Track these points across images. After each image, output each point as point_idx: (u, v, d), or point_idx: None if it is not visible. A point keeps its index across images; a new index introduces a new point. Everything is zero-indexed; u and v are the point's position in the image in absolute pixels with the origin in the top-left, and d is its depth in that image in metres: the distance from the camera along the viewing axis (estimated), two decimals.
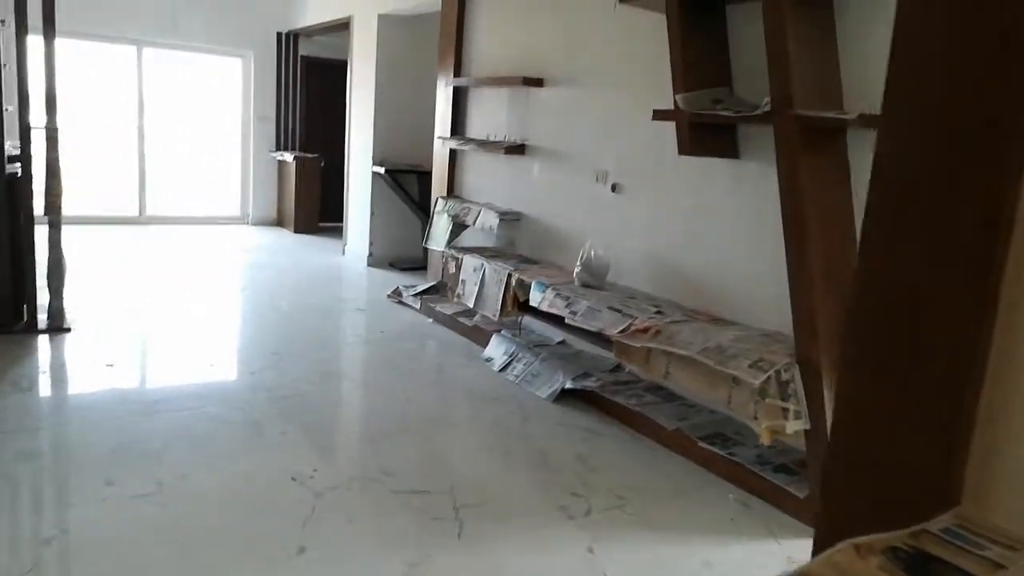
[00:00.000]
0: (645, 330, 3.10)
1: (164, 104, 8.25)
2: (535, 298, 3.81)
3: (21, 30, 3.95)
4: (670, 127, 3.36)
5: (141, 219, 8.25)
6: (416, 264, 6.78)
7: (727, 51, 3.18)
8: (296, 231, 8.40)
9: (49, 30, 4.03)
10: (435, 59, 5.84)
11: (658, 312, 3.26)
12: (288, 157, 8.37)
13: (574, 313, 3.47)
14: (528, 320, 4.37)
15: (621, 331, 3.17)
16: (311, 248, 7.66)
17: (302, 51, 8.62)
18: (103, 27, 7.62)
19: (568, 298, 3.58)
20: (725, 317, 3.25)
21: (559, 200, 4.30)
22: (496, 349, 4.28)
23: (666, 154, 3.52)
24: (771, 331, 3.02)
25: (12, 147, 4.87)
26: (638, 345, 3.08)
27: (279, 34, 8.44)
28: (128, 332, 4.31)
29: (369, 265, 6.78)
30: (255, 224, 8.77)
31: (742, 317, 3.19)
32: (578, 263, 3.78)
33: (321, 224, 8.57)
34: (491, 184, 4.95)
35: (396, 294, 5.55)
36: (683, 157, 3.36)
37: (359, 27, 6.75)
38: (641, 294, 3.62)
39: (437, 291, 5.37)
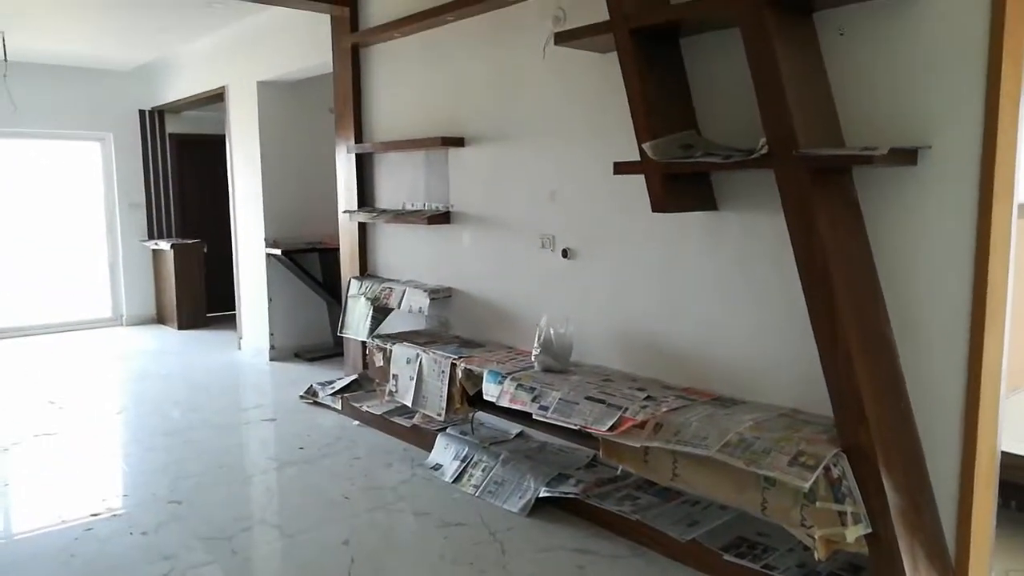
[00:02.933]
0: (641, 424, 2.56)
1: (10, 201, 7.15)
2: (490, 391, 3.21)
3: None
4: (627, 180, 2.92)
5: None
6: (326, 352, 6.03)
7: (688, 90, 2.77)
8: (181, 327, 7.42)
9: None
10: (329, 125, 5.25)
11: (648, 398, 2.74)
12: (164, 245, 7.44)
13: (544, 408, 2.89)
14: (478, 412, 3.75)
15: (611, 428, 2.61)
16: (201, 346, 6.72)
17: (170, 128, 7.77)
18: None
19: (533, 389, 3.00)
20: (726, 395, 2.76)
21: (499, 271, 3.75)
22: (444, 453, 3.63)
23: (625, 210, 3.06)
24: (788, 409, 2.56)
25: None
26: (637, 445, 2.53)
27: (142, 112, 7.58)
28: None
29: (272, 359, 5.96)
30: (131, 324, 7.71)
31: (746, 393, 2.72)
32: (535, 344, 3.22)
33: (210, 315, 7.64)
34: (413, 259, 4.34)
35: (310, 394, 4.79)
36: (645, 213, 2.90)
37: (236, 97, 6.06)
38: (617, 374, 3.09)
39: (360, 386, 4.66)
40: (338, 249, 5.54)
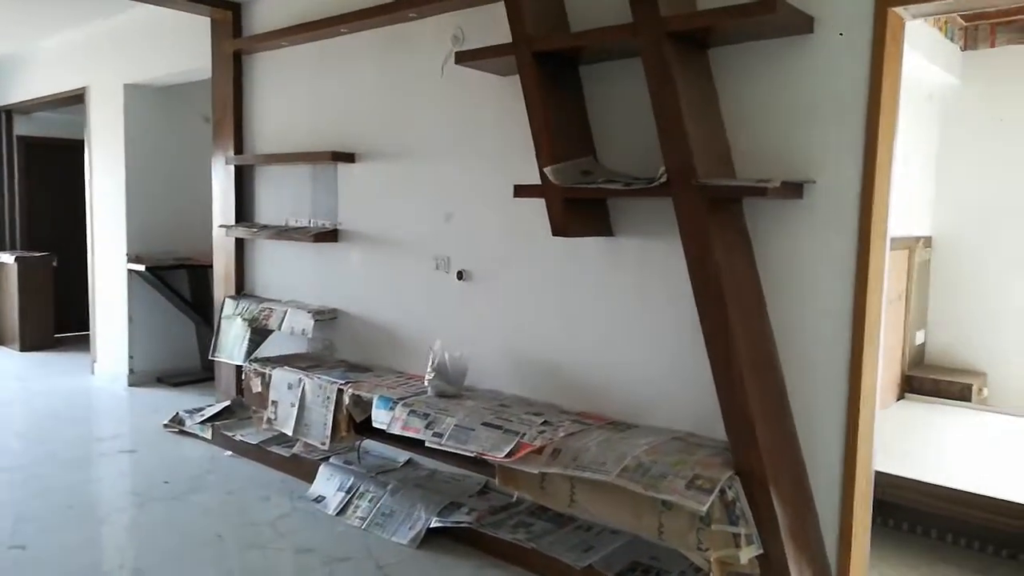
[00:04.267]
0: (539, 450, 2.52)
1: None
2: (380, 418, 3.07)
3: None
4: (525, 204, 2.90)
5: None
6: (193, 376, 5.61)
7: (586, 116, 2.80)
8: (24, 349, 6.70)
9: None
10: (203, 134, 4.95)
11: (545, 423, 2.70)
12: (7, 258, 6.71)
13: (438, 435, 2.79)
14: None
15: (508, 454, 2.56)
16: (48, 370, 6.08)
17: (19, 130, 7.06)
18: None
19: (426, 415, 2.89)
20: (621, 419, 2.78)
21: (390, 293, 3.62)
22: (327, 484, 3.43)
23: (522, 234, 3.04)
24: (682, 432, 2.60)
25: None
26: (535, 471, 2.49)
27: None
28: None
29: (131, 384, 5.47)
30: None
31: (641, 418, 2.75)
32: (428, 369, 3.12)
33: (59, 336, 6.94)
34: (295, 278, 4.13)
35: (176, 422, 4.42)
36: (543, 237, 2.91)
37: (98, 100, 5.59)
38: (513, 399, 3.05)
39: (233, 413, 4.36)
40: (210, 266, 5.21)
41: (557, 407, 2.94)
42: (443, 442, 2.76)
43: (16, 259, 6.63)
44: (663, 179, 2.28)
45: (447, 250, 3.35)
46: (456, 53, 2.85)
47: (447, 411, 2.88)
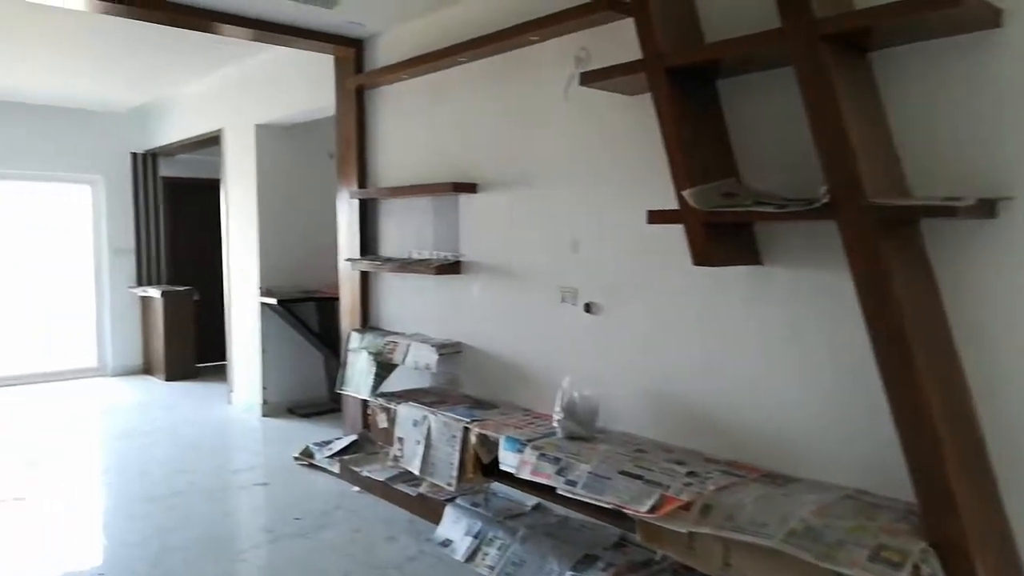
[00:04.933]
0: (687, 506, 2.27)
1: None
2: (508, 460, 2.91)
3: None
4: (659, 231, 2.68)
5: None
6: (321, 407, 5.71)
7: (726, 135, 2.55)
8: (169, 379, 7.09)
9: None
10: (329, 170, 5.05)
11: (690, 473, 2.45)
12: (154, 292, 7.15)
13: (572, 483, 2.60)
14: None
15: (651, 509, 2.32)
16: (189, 399, 6.38)
17: (163, 172, 7.55)
18: None
19: (558, 460, 2.71)
20: (776, 471, 2.48)
21: (514, 326, 3.48)
22: (454, 527, 3.31)
23: (657, 263, 2.82)
24: (851, 489, 2.27)
25: None
26: (683, 530, 2.24)
27: (134, 155, 7.35)
28: None
29: (264, 415, 5.63)
30: (117, 375, 7.36)
31: (800, 470, 2.44)
32: (557, 408, 2.94)
33: (200, 366, 7.31)
34: (419, 311, 4.08)
35: (306, 455, 4.46)
36: (681, 266, 2.67)
37: (232, 141, 5.85)
38: (650, 444, 2.81)
39: (360, 447, 4.35)
40: (336, 299, 5.27)
41: (701, 454, 2.67)
42: (577, 491, 2.56)
43: (162, 293, 7.05)
44: (824, 200, 2.00)
45: (574, 281, 3.18)
46: (582, 74, 2.68)
47: (580, 456, 2.68)
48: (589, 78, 2.65)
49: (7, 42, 4.70)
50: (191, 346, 7.24)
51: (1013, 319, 1.96)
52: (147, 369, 7.45)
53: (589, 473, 2.58)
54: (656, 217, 2.47)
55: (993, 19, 1.93)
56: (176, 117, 6.69)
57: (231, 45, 4.83)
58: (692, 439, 2.74)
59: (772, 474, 2.46)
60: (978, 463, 1.98)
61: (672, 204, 2.50)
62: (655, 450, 2.73)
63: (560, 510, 3.30)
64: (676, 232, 2.64)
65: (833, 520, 2.04)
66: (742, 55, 2.28)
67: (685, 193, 2.32)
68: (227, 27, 3.86)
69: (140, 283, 7.40)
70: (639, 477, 2.47)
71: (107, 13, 3.69)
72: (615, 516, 2.59)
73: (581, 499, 2.53)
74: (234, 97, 5.74)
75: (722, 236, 2.40)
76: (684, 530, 2.23)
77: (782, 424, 2.48)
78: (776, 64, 2.34)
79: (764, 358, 2.52)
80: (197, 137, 6.36)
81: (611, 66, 2.58)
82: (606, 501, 2.46)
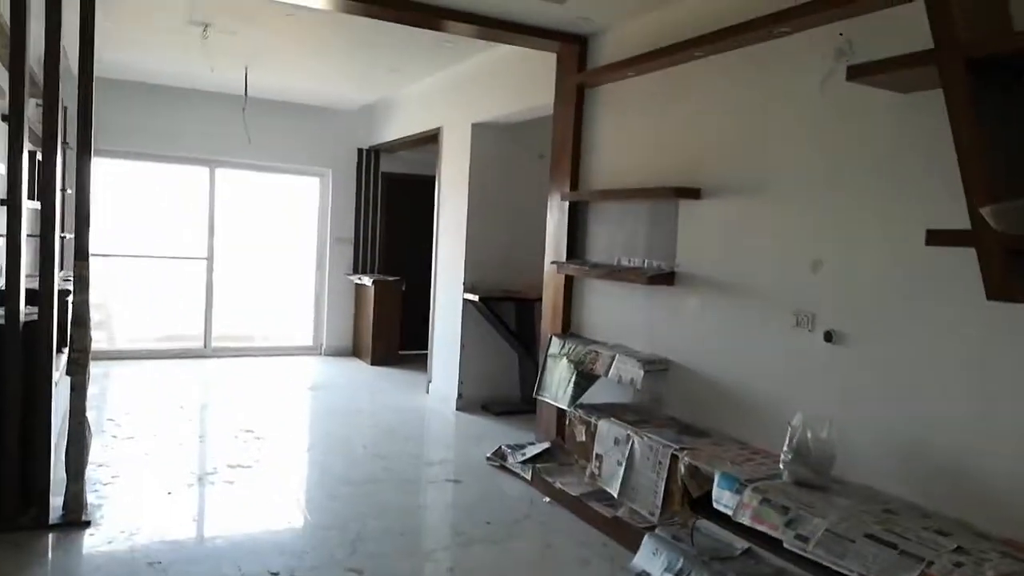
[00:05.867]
0: None
1: (235, 226, 7.64)
2: (724, 499, 2.61)
3: (84, 152, 3.24)
4: (928, 254, 2.25)
5: (206, 351, 7.48)
6: (513, 407, 5.68)
7: None
8: (373, 363, 7.46)
9: (84, 154, 3.26)
10: (538, 170, 4.99)
11: (959, 550, 2.02)
12: (367, 280, 7.57)
13: (804, 539, 2.25)
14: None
15: None
16: (390, 385, 6.66)
17: (384, 168, 7.98)
18: (175, 148, 7.15)
19: (786, 509, 2.36)
20: None
21: (733, 348, 3.16)
22: (653, 560, 3.05)
23: (927, 292, 2.38)
24: None
25: (63, 279, 4.17)
26: None
27: (360, 151, 7.84)
28: (161, 527, 3.28)
29: (458, 409, 5.70)
30: (328, 355, 7.89)
31: None
32: (785, 447, 2.58)
33: (402, 353, 7.63)
34: (624, 321, 3.86)
35: (499, 456, 4.41)
36: (957, 297, 2.24)
37: (449, 139, 6.00)
38: (900, 504, 2.37)
39: (553, 456, 4.22)
40: (535, 300, 5.23)
41: (969, 527, 2.20)
42: (810, 549, 2.21)
43: (373, 282, 7.43)
44: None
45: (811, 304, 2.79)
46: (849, 67, 2.32)
47: (813, 508, 2.32)
48: (858, 72, 2.29)
49: (261, 42, 5.13)
50: (396, 334, 7.57)
51: None
52: (355, 352, 7.92)
53: (826, 531, 2.22)
54: (939, 238, 2.06)
55: None
56: (399, 115, 7.01)
57: (455, 44, 4.91)
58: (957, 506, 2.28)
59: None
60: None
61: (955, 223, 2.09)
62: (907, 512, 2.30)
63: (775, 560, 2.92)
64: (956, 257, 2.22)
65: None
66: None
67: (984, 211, 1.90)
68: (456, 24, 3.88)
69: (356, 271, 7.88)
70: (892, 545, 2.07)
71: (346, 11, 3.85)
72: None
73: (816, 560, 2.18)
74: (453, 96, 5.87)
75: (1022, 265, 1.94)
76: None
77: None
78: None
79: None
80: (417, 135, 6.61)
81: (891, 57, 2.19)
82: (849, 568, 2.09)
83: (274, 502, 3.70)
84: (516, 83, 4.96)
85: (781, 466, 2.59)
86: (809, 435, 2.55)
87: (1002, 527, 2.15)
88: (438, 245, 6.20)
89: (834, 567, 2.13)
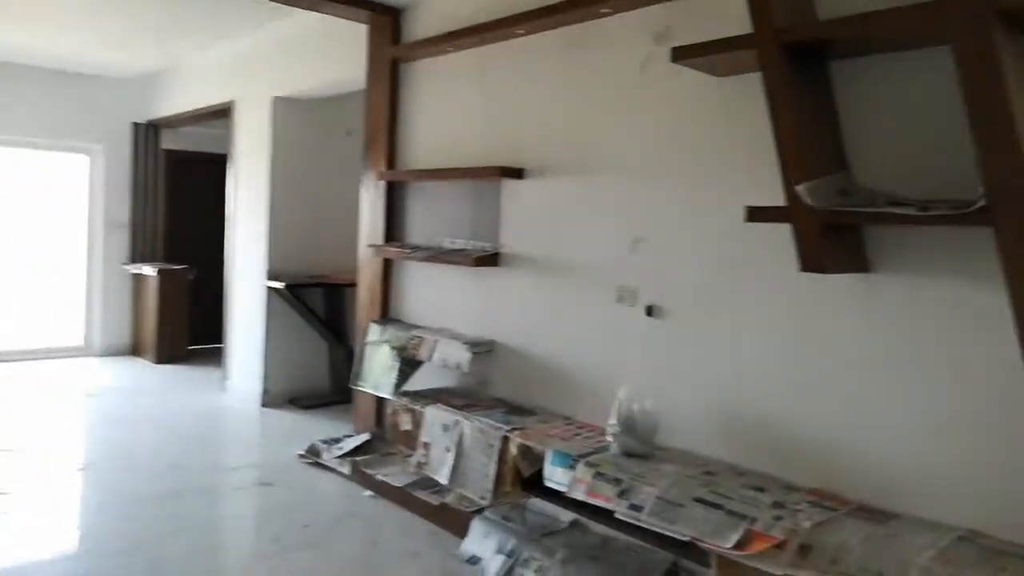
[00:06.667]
0: (781, 544, 1.99)
1: None
2: (557, 477, 2.62)
3: None
4: (743, 230, 2.40)
5: None
6: (325, 399, 5.38)
7: (838, 124, 2.27)
8: (158, 361, 6.71)
9: None
10: (348, 149, 4.76)
11: (776, 504, 2.17)
12: (148, 270, 6.78)
13: (636, 508, 2.30)
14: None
15: (737, 545, 2.03)
16: (180, 384, 6.02)
17: (164, 144, 7.17)
18: None
19: (618, 480, 2.41)
20: (871, 504, 2.20)
21: (559, 326, 3.19)
22: (482, 542, 3.00)
23: (740, 265, 2.53)
24: (963, 530, 2.00)
25: None
26: (778, 573, 1.95)
27: (135, 125, 6.98)
28: None
29: (263, 405, 5.28)
30: (104, 355, 6.98)
31: (899, 503, 2.16)
32: (612, 420, 2.64)
33: (191, 349, 6.93)
34: (447, 304, 3.77)
35: (312, 453, 4.13)
36: (768, 270, 2.41)
37: (245, 114, 5.51)
38: (719, 465, 2.52)
39: (372, 447, 4.03)
40: (346, 285, 5.00)
41: (779, 480, 2.39)
42: (643, 518, 2.27)
43: (157, 271, 6.68)
44: (983, 202, 1.73)
45: (634, 280, 2.88)
46: (673, 49, 2.39)
47: (644, 478, 2.39)
48: (682, 54, 2.36)
49: None
50: (184, 328, 6.87)
51: None
52: (135, 350, 7.08)
53: (657, 498, 2.29)
54: (759, 215, 2.19)
55: None
56: (184, 86, 6.33)
57: (251, 8, 4.49)
58: (768, 462, 2.45)
59: (866, 507, 2.18)
60: None
61: (767, 200, 2.24)
62: (727, 473, 2.44)
63: (600, 528, 3.00)
64: (764, 232, 2.39)
65: (960, 571, 1.77)
66: (887, 32, 2.00)
67: (800, 188, 2.04)
68: None
69: (134, 260, 7.02)
70: (718, 506, 2.18)
71: None
72: (667, 541, 2.30)
73: (651, 528, 2.24)
74: (250, 67, 5.41)
75: (833, 240, 2.11)
76: (780, 573, 1.94)
77: (882, 452, 2.20)
78: (907, 46, 2.06)
79: (866, 377, 2.24)
80: (206, 108, 6.01)
81: (712, 41, 2.29)
82: (679, 532, 2.17)
83: (47, 532, 3.15)
84: (323, 55, 4.66)
85: (609, 438, 2.64)
86: (635, 407, 2.63)
87: (809, 479, 2.35)
88: (234, 230, 5.69)
89: (668, 533, 2.20)
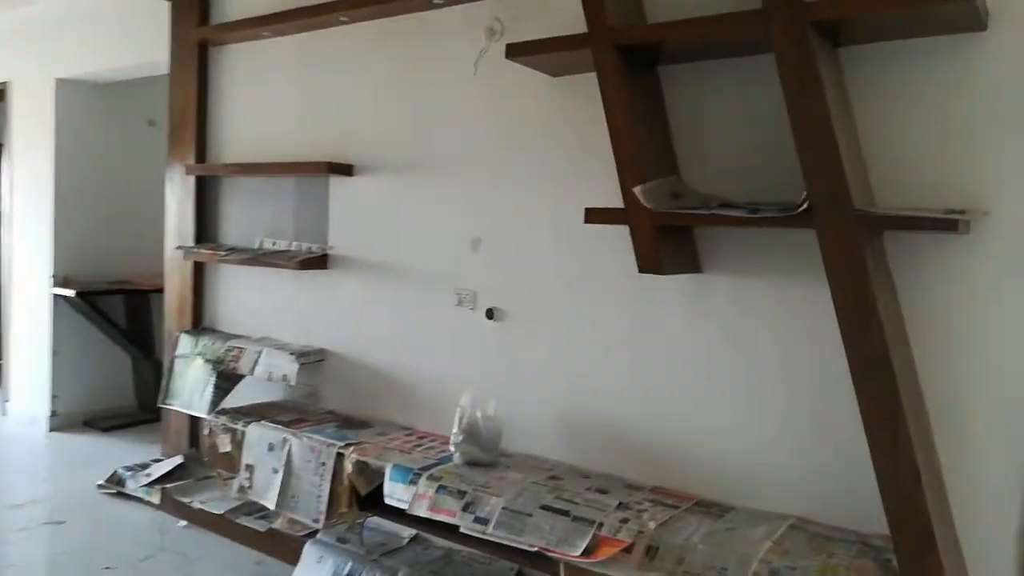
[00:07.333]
0: (629, 547, 1.98)
1: None
2: (397, 494, 2.46)
3: None
4: (580, 231, 2.39)
5: None
6: (129, 420, 4.83)
7: (668, 128, 2.31)
8: None
9: None
10: (149, 139, 4.30)
11: (621, 506, 2.16)
12: None
13: (483, 521, 2.21)
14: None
15: (585, 552, 2.00)
16: None
17: None
18: None
19: (463, 493, 2.30)
20: (708, 498, 2.26)
21: (394, 332, 3.02)
22: (317, 568, 2.78)
23: (578, 267, 2.52)
24: (793, 518, 2.10)
25: None
26: None
27: None
28: None
29: (52, 429, 4.64)
30: None
31: (734, 496, 2.24)
32: (455, 429, 2.53)
33: None
34: (269, 311, 3.47)
35: (115, 481, 3.66)
36: (604, 271, 2.43)
37: (22, 97, 4.79)
38: (563, 469, 2.49)
39: (187, 471, 3.63)
40: (150, 291, 4.53)
41: (621, 480, 2.40)
42: (489, 531, 2.18)
43: None
44: (805, 206, 1.80)
45: (473, 283, 2.79)
46: (508, 46, 2.31)
47: (489, 488, 2.30)
48: (517, 51, 2.29)
49: None
50: None
51: (982, 338, 1.87)
52: None
53: (503, 509, 2.21)
54: (596, 216, 2.16)
55: (979, 21, 1.81)
56: None
57: None
58: (610, 463, 2.46)
59: (703, 502, 2.24)
60: (940, 493, 1.87)
61: (606, 201, 2.24)
62: (571, 476, 2.42)
63: (442, 542, 2.88)
64: (602, 233, 2.38)
65: (796, 560, 1.84)
66: (713, 37, 2.03)
67: (636, 191, 2.03)
68: None
69: None
70: (565, 513, 2.14)
71: None
72: (510, 551, 2.24)
73: (498, 541, 2.15)
74: (26, 44, 4.71)
75: (668, 241, 2.14)
76: None
77: (716, 447, 2.27)
78: (734, 52, 2.13)
79: (700, 375, 2.29)
80: None
81: (547, 39, 2.23)
82: (527, 543, 2.11)
83: None
84: (118, 33, 4.13)
85: (452, 447, 2.53)
86: (478, 414, 2.53)
87: (648, 477, 2.38)
88: (11, 231, 4.94)
89: (516, 545, 2.12)
